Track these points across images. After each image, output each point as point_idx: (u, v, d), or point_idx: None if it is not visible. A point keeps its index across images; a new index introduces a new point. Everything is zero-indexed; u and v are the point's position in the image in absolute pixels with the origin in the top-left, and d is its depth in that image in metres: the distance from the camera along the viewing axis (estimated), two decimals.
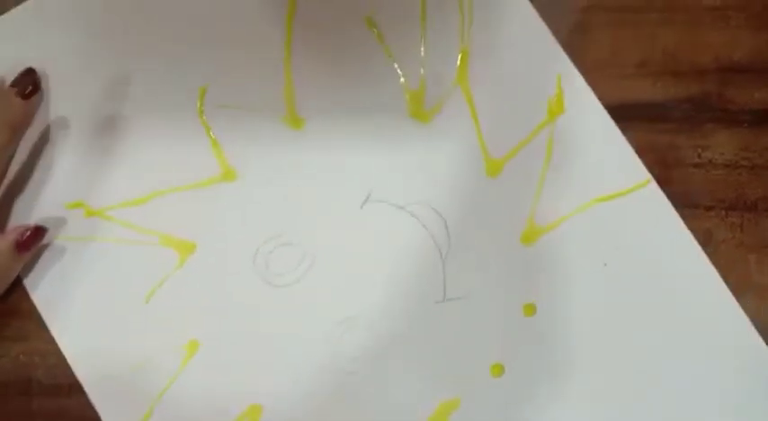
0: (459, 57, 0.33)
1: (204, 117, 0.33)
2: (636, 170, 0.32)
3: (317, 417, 0.31)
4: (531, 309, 0.32)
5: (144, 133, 0.33)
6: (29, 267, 0.31)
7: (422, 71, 0.33)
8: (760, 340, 0.31)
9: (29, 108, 0.31)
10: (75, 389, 0.31)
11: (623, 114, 0.32)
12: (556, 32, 0.33)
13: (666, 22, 0.33)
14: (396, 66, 0.33)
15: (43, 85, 0.32)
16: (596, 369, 0.31)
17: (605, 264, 0.32)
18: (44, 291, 0.31)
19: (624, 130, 0.32)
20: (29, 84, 0.31)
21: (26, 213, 0.32)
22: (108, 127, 0.33)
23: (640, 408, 0.31)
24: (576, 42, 0.33)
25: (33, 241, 0.31)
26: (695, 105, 0.33)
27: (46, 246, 0.32)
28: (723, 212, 0.32)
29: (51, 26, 0.33)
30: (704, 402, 0.31)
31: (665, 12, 0.33)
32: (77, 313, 0.31)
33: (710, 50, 0.33)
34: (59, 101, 0.33)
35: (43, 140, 0.32)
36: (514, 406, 0.31)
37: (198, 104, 0.33)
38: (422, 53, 0.33)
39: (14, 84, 0.31)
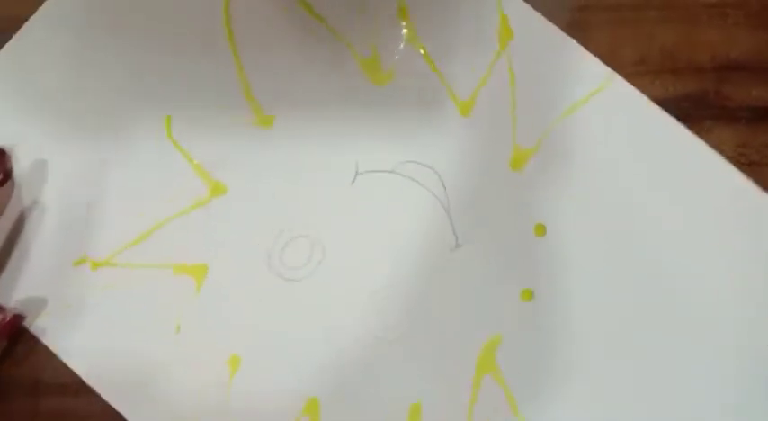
0: (402, 19, 0.34)
1: (177, 142, 0.33)
2: (598, 70, 0.33)
3: (374, 387, 0.32)
4: (541, 230, 0.33)
5: (124, 173, 0.33)
6: (56, 335, 0.32)
7: (370, 39, 0.34)
8: None
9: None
10: (82, 389, 0.31)
11: None
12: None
13: (664, 21, 0.34)
14: (343, 41, 0.34)
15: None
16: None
17: (598, 169, 0.33)
18: (77, 354, 0.32)
19: None
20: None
21: (35, 277, 0.32)
22: (89, 176, 0.33)
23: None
24: (575, 41, 0.33)
25: (9, 329, 0.31)
26: (693, 103, 0.33)
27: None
28: None
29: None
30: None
31: (664, 10, 0.34)
32: (115, 364, 0.32)
33: (708, 48, 0.34)
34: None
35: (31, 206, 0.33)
36: (549, 326, 0.32)
37: (167, 132, 0.33)
38: (365, 23, 0.34)
39: None
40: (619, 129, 0.33)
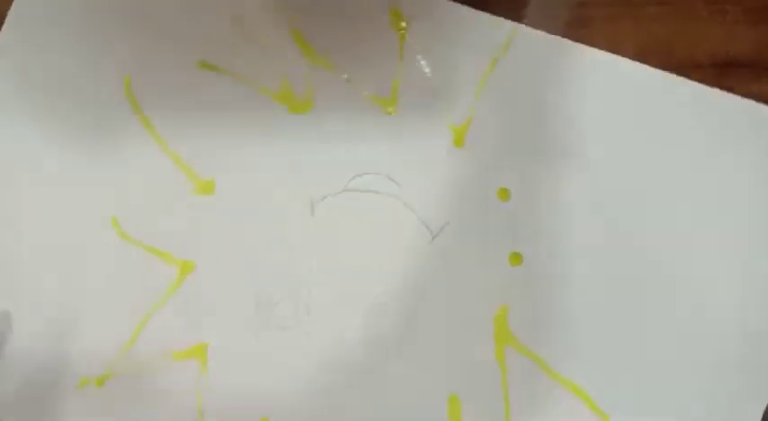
0: (299, 44, 0.33)
1: (129, 235, 0.33)
2: (500, 26, 0.33)
3: (405, 390, 0.32)
4: (505, 194, 0.33)
5: (89, 280, 0.33)
6: None
7: (277, 73, 0.33)
8: None
9: None
10: None
11: None
12: (554, 27, 0.33)
13: (664, 16, 0.33)
14: (251, 84, 0.33)
15: None
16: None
17: (534, 122, 0.33)
18: None
19: None
20: None
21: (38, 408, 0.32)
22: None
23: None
24: (574, 36, 0.33)
25: None
26: None
27: None
28: None
29: None
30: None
31: (663, 5, 0.33)
32: None
33: (708, 44, 0.33)
34: None
35: None
36: (546, 283, 0.32)
37: (117, 232, 0.33)
38: (266, 60, 0.33)
39: None
40: (545, 73, 0.33)
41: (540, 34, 0.33)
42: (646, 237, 0.32)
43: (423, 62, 0.33)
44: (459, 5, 0.33)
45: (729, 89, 0.33)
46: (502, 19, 0.33)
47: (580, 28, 0.33)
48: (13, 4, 0.34)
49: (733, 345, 0.32)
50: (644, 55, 0.33)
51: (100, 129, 0.33)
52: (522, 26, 0.33)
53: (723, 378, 0.32)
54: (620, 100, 0.33)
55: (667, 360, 0.32)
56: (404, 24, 0.33)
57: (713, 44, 0.34)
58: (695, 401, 0.32)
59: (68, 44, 0.34)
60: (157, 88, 0.33)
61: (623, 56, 0.33)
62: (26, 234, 0.33)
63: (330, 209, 0.33)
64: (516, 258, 0.32)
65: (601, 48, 0.33)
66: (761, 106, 0.33)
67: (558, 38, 0.33)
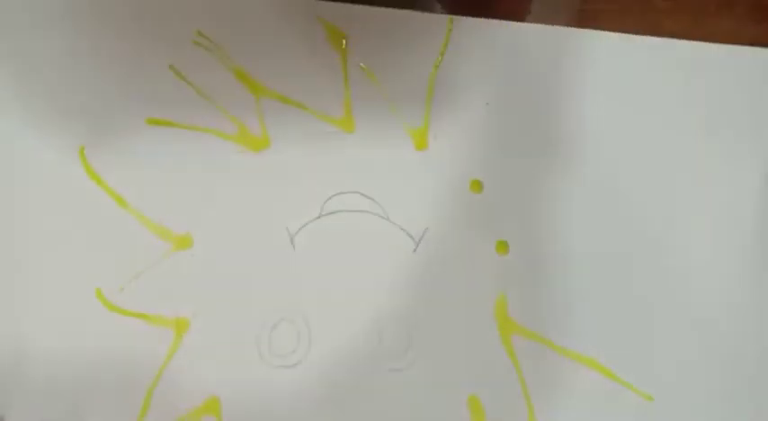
0: (243, 81, 0.33)
1: (116, 306, 0.32)
2: (437, 22, 0.33)
3: (418, 403, 0.32)
4: (477, 186, 0.33)
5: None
6: None
7: (231, 115, 0.33)
8: None
9: None
10: None
11: None
12: (562, 21, 0.33)
13: (671, 11, 0.34)
14: (208, 131, 0.33)
15: None
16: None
17: (487, 103, 0.33)
18: None
19: None
20: None
21: None
22: None
23: None
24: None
25: None
26: None
27: None
28: None
29: None
30: None
31: (670, 0, 0.34)
32: None
33: (715, 39, 0.33)
34: None
35: None
36: (536, 267, 0.32)
37: (106, 305, 0.32)
38: (217, 105, 0.33)
39: None
40: (491, 59, 0.33)
41: (478, 21, 0.33)
42: (630, 206, 0.32)
43: (368, 73, 0.33)
44: (391, 10, 0.33)
45: None
46: (437, 14, 0.33)
47: (588, 22, 0.33)
48: None
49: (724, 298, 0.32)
50: None
51: (63, 205, 0.33)
52: (458, 17, 0.33)
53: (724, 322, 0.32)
54: (573, 70, 0.33)
55: (668, 315, 0.32)
56: (343, 41, 0.33)
57: (721, 38, 0.34)
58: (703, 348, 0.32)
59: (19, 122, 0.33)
60: (114, 153, 0.33)
61: None
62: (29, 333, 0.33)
63: (310, 238, 0.33)
64: (503, 246, 0.32)
65: None
66: None
67: (495, 20, 0.33)
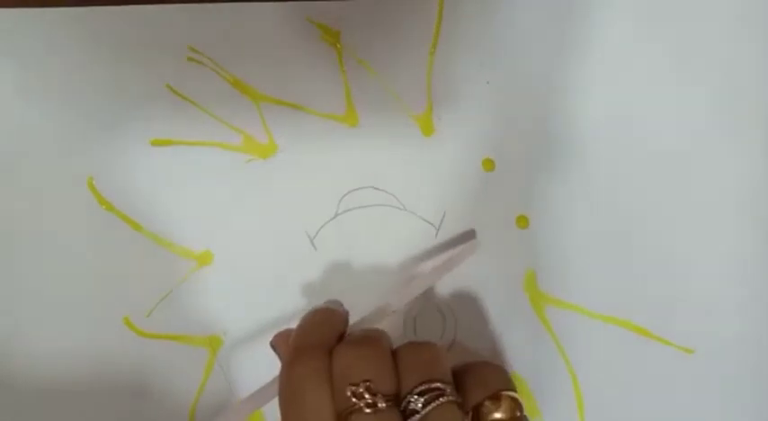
0: (242, 91, 0.33)
1: (138, 331, 0.32)
2: (427, 3, 0.33)
3: None
4: (490, 164, 0.33)
5: None
6: None
7: (235, 126, 0.33)
8: None
9: None
10: None
11: None
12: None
13: None
14: (214, 145, 0.33)
15: None
16: None
17: (488, 82, 0.33)
18: None
19: None
20: None
21: None
22: None
23: None
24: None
25: None
26: None
27: None
28: None
29: None
30: None
31: None
32: None
33: None
34: None
35: None
36: (559, 238, 0.32)
37: (126, 329, 0.32)
38: (221, 118, 0.33)
39: None
40: (488, 30, 0.33)
41: None
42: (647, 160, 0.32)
43: (365, 66, 0.33)
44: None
45: None
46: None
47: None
48: None
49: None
50: None
51: (80, 238, 0.33)
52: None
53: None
54: (573, 33, 0.33)
55: (696, 271, 0.32)
56: (338, 38, 0.33)
57: None
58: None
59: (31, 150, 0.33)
60: (123, 179, 0.33)
61: None
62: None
63: (330, 238, 0.33)
64: (523, 220, 0.32)
65: None
66: None
67: None
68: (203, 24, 0.32)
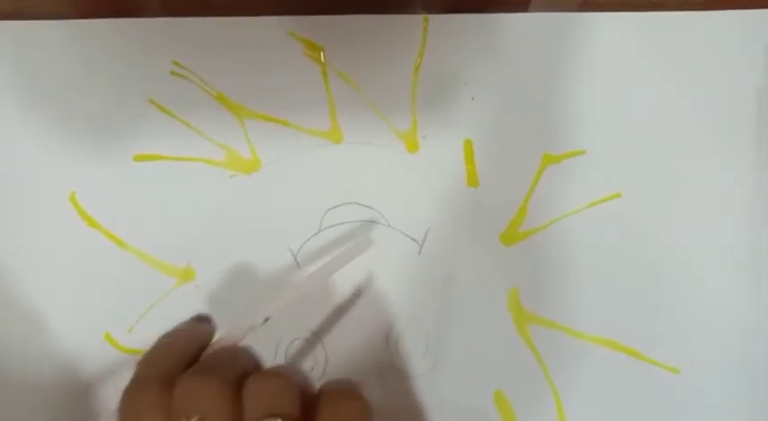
0: (224, 104, 0.33)
1: (122, 347, 0.32)
2: (412, 22, 0.33)
3: (447, 400, 0.31)
4: (473, 180, 0.32)
5: None
6: None
7: (217, 141, 0.33)
8: None
9: None
10: None
11: None
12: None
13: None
14: (198, 160, 0.33)
15: None
16: None
17: (472, 98, 0.33)
18: None
19: None
20: None
21: None
22: None
23: None
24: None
25: None
26: None
27: None
28: None
29: None
30: None
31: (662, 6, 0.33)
32: None
33: None
34: None
35: None
36: (540, 255, 0.32)
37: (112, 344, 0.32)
38: (204, 135, 0.33)
39: None
40: (472, 51, 0.33)
41: (452, 17, 0.33)
42: (633, 190, 0.32)
43: (349, 83, 0.33)
44: (365, 16, 0.32)
45: None
46: (411, 15, 0.33)
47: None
48: None
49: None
50: None
51: (62, 254, 0.32)
52: (433, 16, 0.32)
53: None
54: (557, 55, 0.33)
55: (680, 291, 0.32)
56: (321, 54, 0.33)
57: None
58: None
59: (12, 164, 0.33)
60: (105, 194, 0.33)
61: None
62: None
63: (313, 254, 0.32)
64: (507, 237, 0.32)
65: None
66: None
67: (471, 15, 0.33)
68: (187, 39, 0.32)
